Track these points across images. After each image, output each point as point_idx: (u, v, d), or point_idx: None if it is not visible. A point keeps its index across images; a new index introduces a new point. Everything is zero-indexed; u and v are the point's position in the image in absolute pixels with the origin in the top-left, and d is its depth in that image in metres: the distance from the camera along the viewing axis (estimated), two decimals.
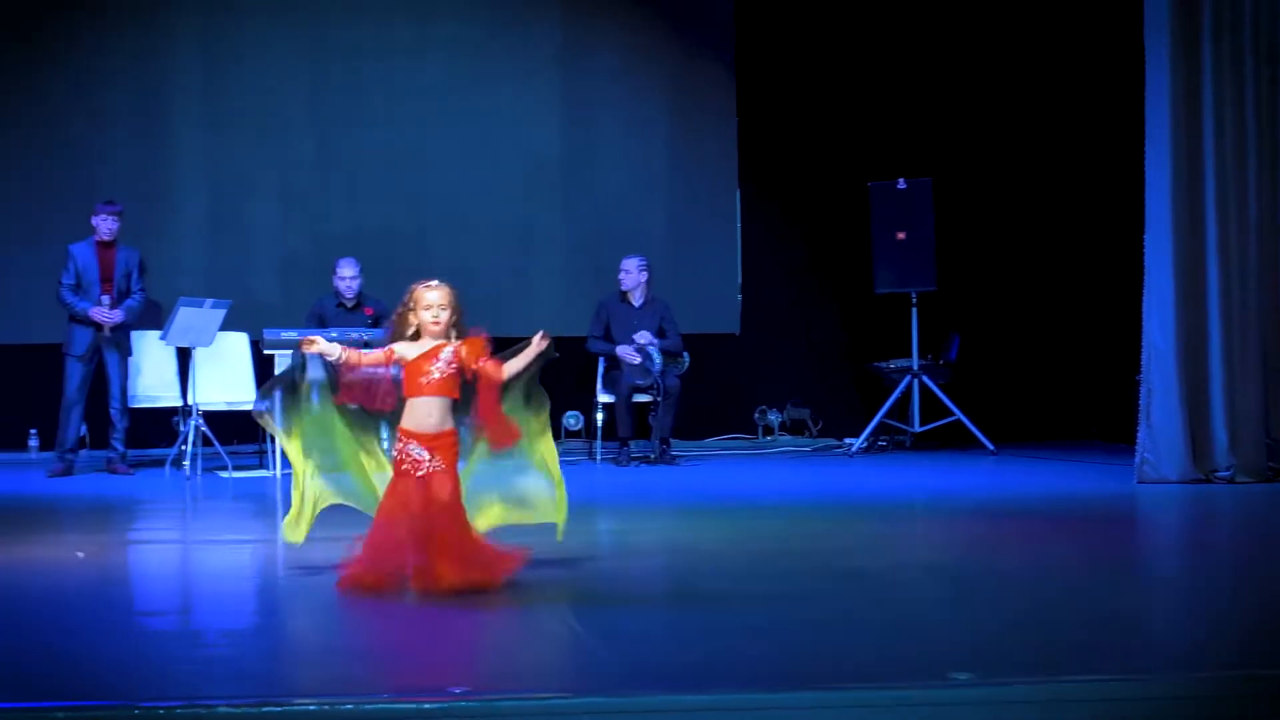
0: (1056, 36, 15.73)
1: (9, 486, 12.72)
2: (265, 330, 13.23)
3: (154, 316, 13.95)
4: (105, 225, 13.32)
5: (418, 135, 15.46)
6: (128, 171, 14.95)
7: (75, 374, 13.25)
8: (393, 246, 14.87)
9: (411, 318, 7.39)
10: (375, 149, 15.38)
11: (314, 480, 7.74)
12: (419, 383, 7.32)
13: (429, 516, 7.22)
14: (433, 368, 7.31)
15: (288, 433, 7.67)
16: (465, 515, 7.38)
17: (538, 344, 7.55)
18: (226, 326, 13.51)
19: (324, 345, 7.44)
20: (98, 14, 15.05)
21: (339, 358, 7.40)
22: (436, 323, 7.32)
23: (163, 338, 13.28)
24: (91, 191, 14.11)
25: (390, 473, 7.51)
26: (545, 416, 7.74)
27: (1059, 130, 15.76)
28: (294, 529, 7.74)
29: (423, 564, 7.13)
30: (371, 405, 7.47)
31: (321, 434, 7.67)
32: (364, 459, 7.71)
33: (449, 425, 7.36)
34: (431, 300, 7.36)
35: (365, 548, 7.34)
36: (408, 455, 7.31)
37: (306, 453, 7.69)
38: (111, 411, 13.38)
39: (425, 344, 7.35)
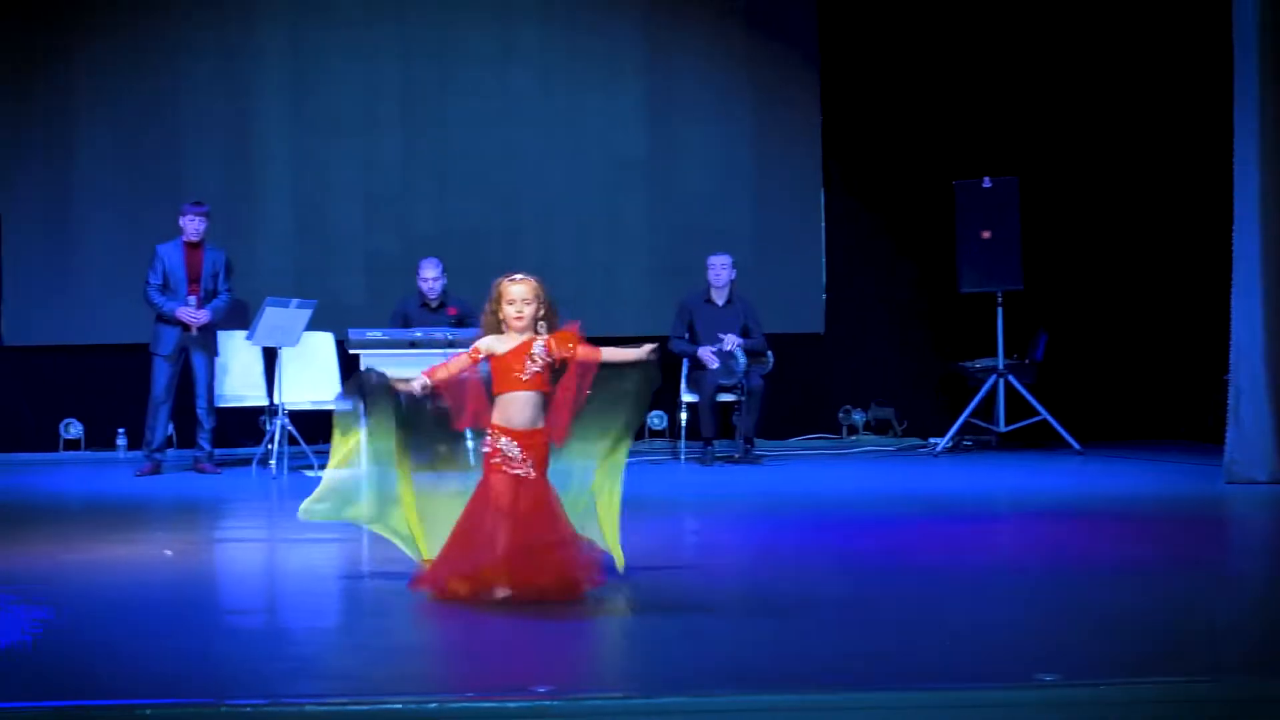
0: (1144, 33, 15.64)
1: (97, 486, 12.84)
2: (351, 330, 13.29)
3: (240, 316, 14.05)
4: (192, 225, 13.42)
5: (504, 136, 15.52)
6: (215, 172, 15.09)
7: (162, 374, 13.35)
8: (479, 247, 14.94)
9: (500, 312, 7.29)
10: (461, 150, 15.45)
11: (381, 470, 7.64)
12: (511, 378, 7.17)
13: (516, 516, 7.08)
14: (525, 363, 7.16)
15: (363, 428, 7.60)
16: (553, 521, 7.18)
17: (645, 352, 7.38)
18: (312, 326, 13.57)
19: (414, 385, 7.34)
20: (185, 16, 15.18)
21: (427, 385, 7.33)
22: (519, 317, 7.17)
23: (249, 338, 13.36)
24: (178, 192, 14.25)
25: (456, 473, 7.47)
26: (621, 454, 7.49)
27: (1146, 128, 15.67)
28: (315, 505, 7.84)
29: (502, 562, 7.00)
30: (461, 416, 7.37)
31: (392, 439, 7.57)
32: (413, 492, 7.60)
33: (541, 424, 7.20)
34: (515, 294, 7.22)
35: (447, 549, 7.21)
36: (499, 450, 7.14)
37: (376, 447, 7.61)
38: (199, 411, 13.48)
39: (514, 339, 7.21)
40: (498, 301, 7.28)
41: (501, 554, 7.00)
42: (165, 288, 13.34)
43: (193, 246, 13.47)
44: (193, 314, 13.29)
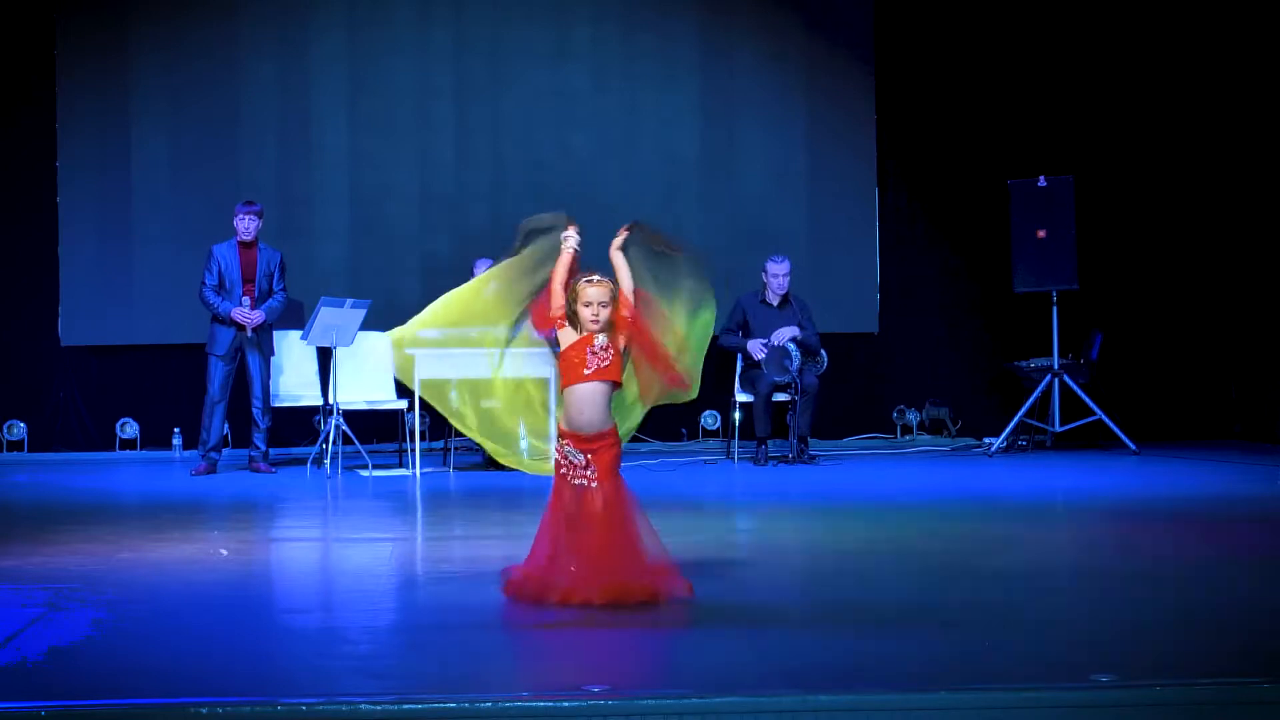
0: (1202, 29, 15.55)
1: (153, 485, 12.89)
2: None
3: (295, 316, 14.10)
4: (244, 225, 13.46)
5: (558, 136, 15.54)
6: (271, 173, 15.15)
7: (218, 373, 13.40)
8: None
9: (578, 314, 7.08)
10: (515, 149, 15.47)
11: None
12: (576, 371, 7.03)
13: (585, 530, 7.00)
14: (588, 355, 7.01)
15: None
16: (626, 527, 7.06)
17: (622, 235, 7.38)
18: (367, 326, 13.60)
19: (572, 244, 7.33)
20: (243, 19, 15.23)
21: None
22: (595, 320, 7.02)
23: (304, 337, 13.40)
24: (235, 193, 14.33)
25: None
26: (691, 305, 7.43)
27: (1203, 126, 15.58)
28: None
29: (578, 576, 6.93)
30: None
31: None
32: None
33: (609, 424, 7.06)
34: (593, 296, 7.05)
35: (531, 555, 7.15)
36: (566, 459, 7.07)
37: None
38: (254, 411, 13.51)
39: (577, 333, 7.10)
40: (575, 302, 7.14)
41: (578, 572, 6.96)
42: (220, 288, 13.39)
43: (246, 246, 13.51)
44: (246, 314, 13.33)
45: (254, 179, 15.01)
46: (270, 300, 13.53)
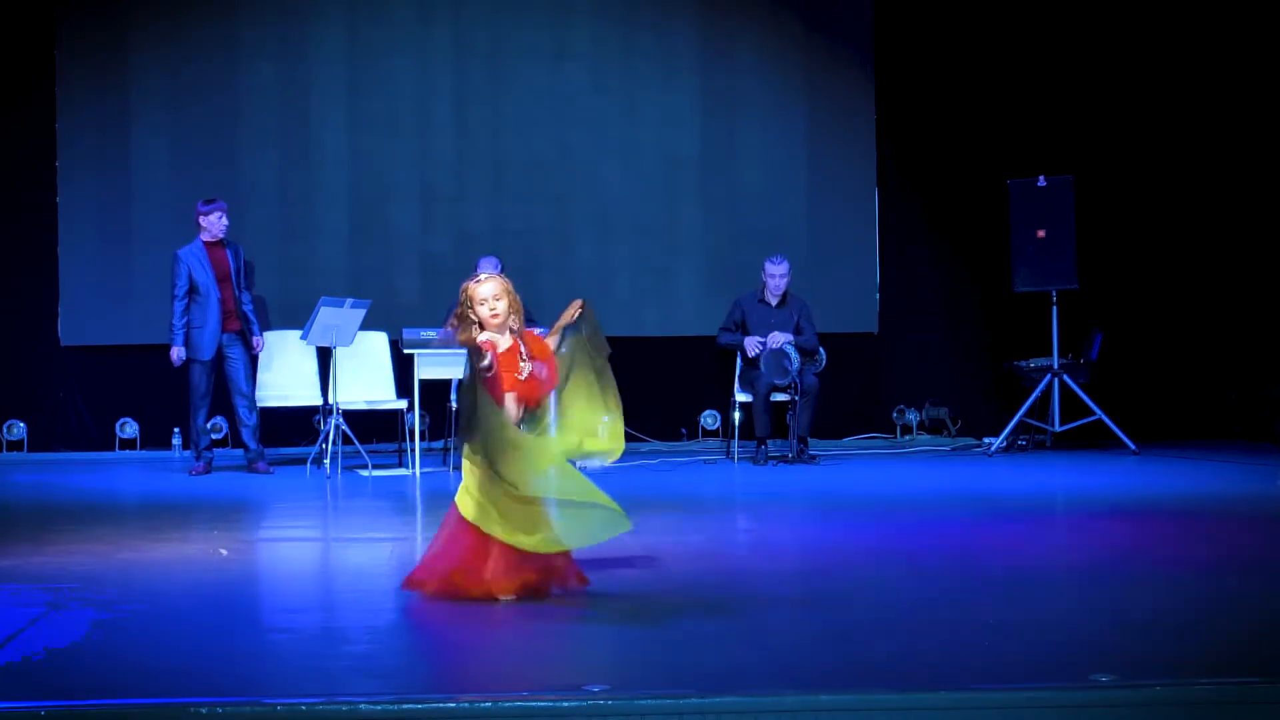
0: (1202, 29, 15.54)
1: (153, 485, 12.88)
2: (405, 330, 13.33)
3: (293, 315, 14.07)
4: (221, 224, 13.32)
5: (558, 135, 15.52)
6: (271, 173, 15.14)
7: (202, 379, 13.30)
8: (533, 246, 14.96)
9: (471, 315, 7.16)
10: (515, 149, 15.46)
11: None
12: (510, 377, 7.10)
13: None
14: (519, 364, 7.10)
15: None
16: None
17: (571, 311, 7.31)
18: (367, 326, 13.61)
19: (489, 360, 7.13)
20: (243, 19, 15.22)
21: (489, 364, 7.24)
22: (495, 314, 7.09)
23: (304, 337, 13.37)
24: (235, 192, 14.34)
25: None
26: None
27: (1203, 126, 15.58)
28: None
29: (503, 571, 7.12)
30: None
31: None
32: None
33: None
34: (485, 293, 7.13)
35: (455, 552, 7.24)
36: None
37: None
38: (239, 409, 13.43)
39: (506, 338, 7.13)
40: (469, 305, 7.19)
41: (504, 564, 7.05)
42: (194, 294, 13.26)
43: (214, 245, 13.43)
44: (258, 350, 13.43)
45: (254, 179, 15.03)
46: (247, 308, 13.43)
